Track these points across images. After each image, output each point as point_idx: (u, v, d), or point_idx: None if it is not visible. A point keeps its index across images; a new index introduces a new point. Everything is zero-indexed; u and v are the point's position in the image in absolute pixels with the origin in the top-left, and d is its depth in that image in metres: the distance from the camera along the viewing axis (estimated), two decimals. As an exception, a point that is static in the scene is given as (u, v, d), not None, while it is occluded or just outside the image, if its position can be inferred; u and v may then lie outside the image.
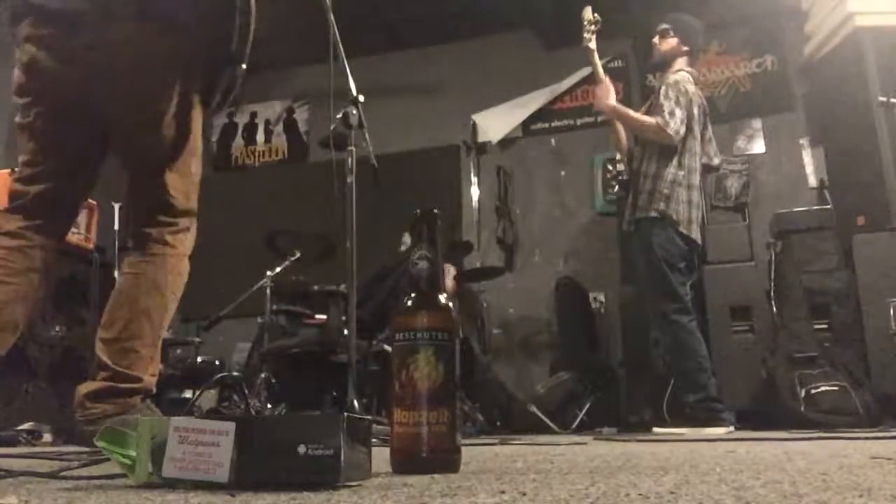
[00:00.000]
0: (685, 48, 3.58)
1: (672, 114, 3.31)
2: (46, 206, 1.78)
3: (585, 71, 5.70)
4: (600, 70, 3.58)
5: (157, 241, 1.84)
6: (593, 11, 3.57)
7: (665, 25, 3.62)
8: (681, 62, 3.57)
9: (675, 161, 3.36)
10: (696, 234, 3.37)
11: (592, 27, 3.55)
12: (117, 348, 1.77)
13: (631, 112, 3.55)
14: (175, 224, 1.88)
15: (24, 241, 1.73)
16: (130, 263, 1.85)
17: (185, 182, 1.89)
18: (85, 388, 1.76)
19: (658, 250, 3.28)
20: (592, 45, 3.55)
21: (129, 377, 1.76)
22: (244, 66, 1.86)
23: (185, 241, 1.93)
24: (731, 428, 3.13)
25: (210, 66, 1.86)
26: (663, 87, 3.41)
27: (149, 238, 1.84)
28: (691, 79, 3.50)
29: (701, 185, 3.47)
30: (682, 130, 3.33)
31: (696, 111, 3.42)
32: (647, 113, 3.51)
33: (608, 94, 3.55)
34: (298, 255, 4.07)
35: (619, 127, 3.66)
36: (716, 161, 3.63)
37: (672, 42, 3.59)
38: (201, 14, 1.78)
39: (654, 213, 3.32)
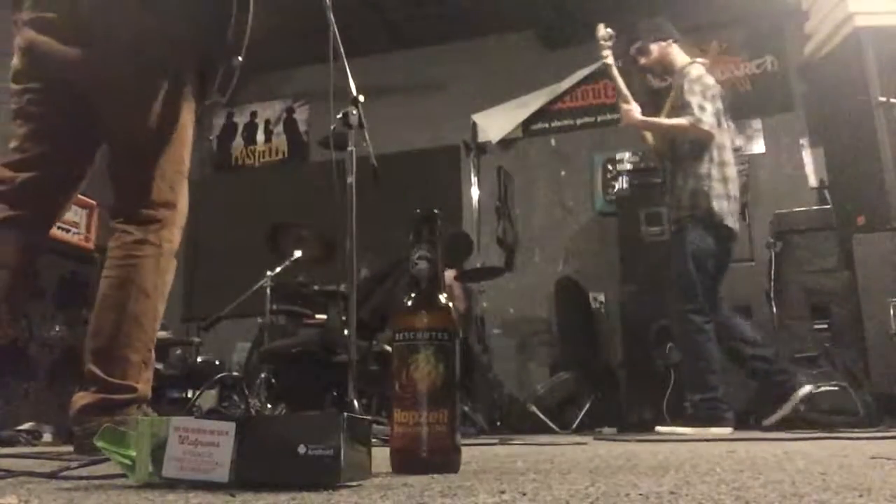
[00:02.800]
0: (666, 41, 3.57)
1: (702, 108, 3.29)
2: (32, 196, 1.73)
3: (585, 71, 5.72)
4: (622, 87, 3.54)
5: (141, 242, 1.77)
6: (606, 26, 3.56)
7: (638, 43, 3.61)
8: (678, 55, 3.57)
9: (708, 157, 3.34)
10: (736, 226, 3.39)
11: (608, 42, 3.54)
12: (108, 358, 1.71)
13: (660, 120, 3.50)
14: (157, 220, 1.79)
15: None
16: (114, 266, 1.77)
17: (173, 171, 1.82)
18: (79, 400, 1.70)
19: (689, 246, 3.28)
20: (610, 60, 3.53)
21: (122, 387, 1.70)
22: (240, 58, 1.84)
23: (171, 237, 1.83)
24: (731, 429, 3.14)
25: (206, 57, 1.84)
26: (686, 84, 3.36)
27: (132, 238, 1.77)
28: (704, 69, 3.49)
29: (736, 175, 3.46)
30: (715, 123, 3.32)
31: (720, 103, 3.40)
32: (672, 112, 3.48)
33: (635, 110, 3.50)
34: (298, 255, 4.07)
35: (648, 134, 3.66)
36: (736, 142, 3.62)
37: (655, 49, 3.58)
38: (199, 4, 1.77)
39: (697, 212, 3.30)
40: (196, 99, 1.87)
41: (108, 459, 0.87)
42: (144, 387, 1.76)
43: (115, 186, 1.84)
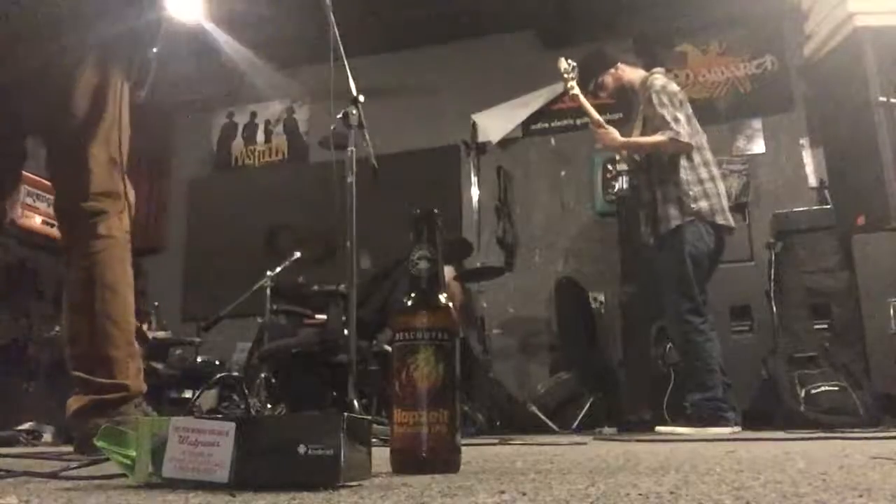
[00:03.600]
0: (615, 68, 3.64)
1: (676, 119, 3.33)
2: None
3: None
4: (594, 113, 3.58)
5: (92, 237, 1.71)
6: (566, 59, 3.62)
7: (592, 81, 3.66)
8: (632, 73, 3.64)
9: (688, 162, 3.37)
10: (731, 221, 3.42)
11: (571, 74, 3.59)
12: (90, 360, 1.68)
13: (639, 139, 3.53)
14: (103, 211, 1.74)
15: None
16: (74, 268, 1.73)
17: (108, 158, 1.75)
18: (74, 403, 1.68)
19: (686, 247, 3.30)
20: (576, 90, 3.58)
21: (113, 387, 1.68)
22: (154, 50, 1.80)
23: (121, 225, 1.77)
24: (737, 428, 3.14)
25: (126, 48, 1.79)
26: (654, 97, 3.40)
27: (84, 236, 1.72)
28: (664, 78, 3.53)
29: (718, 170, 3.50)
30: (690, 131, 3.36)
31: (688, 107, 3.46)
32: (646, 124, 3.52)
33: (613, 133, 3.53)
34: (298, 255, 4.07)
35: (623, 152, 3.71)
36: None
37: (608, 79, 3.65)
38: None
39: (689, 218, 3.32)
40: (127, 80, 1.81)
41: (108, 459, 0.87)
42: (135, 381, 1.73)
43: (53, 183, 1.79)
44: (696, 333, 3.26)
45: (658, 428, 3.38)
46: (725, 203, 3.42)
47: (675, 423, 3.43)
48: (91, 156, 1.72)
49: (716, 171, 3.44)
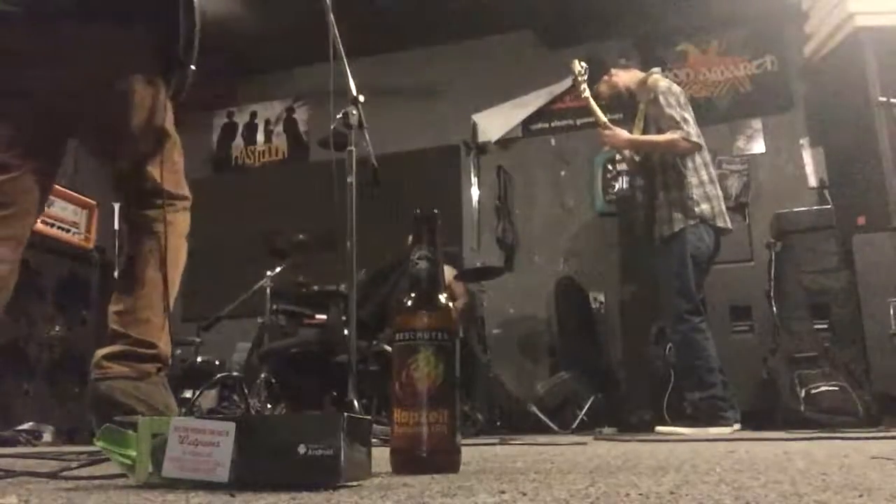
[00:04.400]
0: (610, 74, 3.65)
1: (685, 120, 3.35)
2: (11, 196, 1.71)
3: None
4: (601, 115, 3.58)
5: (157, 220, 1.85)
6: (580, 60, 3.63)
7: (595, 88, 3.65)
8: (627, 76, 3.65)
9: (691, 164, 3.38)
10: (729, 223, 3.44)
11: (584, 76, 3.60)
12: (130, 319, 1.80)
13: (650, 137, 3.53)
14: (172, 204, 1.89)
15: None
16: (133, 243, 1.87)
17: (172, 172, 1.89)
18: (103, 350, 1.79)
19: (688, 247, 3.31)
20: (587, 92, 3.59)
21: (144, 342, 1.79)
22: (193, 67, 1.84)
23: (183, 220, 1.94)
24: (737, 426, 3.14)
25: (165, 65, 1.84)
26: (660, 97, 3.40)
27: (148, 218, 1.86)
28: (664, 78, 3.55)
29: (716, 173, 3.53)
30: (698, 132, 3.38)
31: (690, 109, 3.46)
32: (646, 126, 3.53)
33: (620, 133, 3.55)
34: (298, 255, 4.07)
35: (627, 152, 3.70)
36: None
37: (605, 86, 3.65)
38: (144, 13, 1.77)
39: (692, 221, 3.32)
40: (171, 99, 1.89)
41: (107, 459, 0.87)
42: (164, 349, 1.85)
43: (116, 189, 1.91)
44: (695, 332, 3.27)
45: (658, 428, 3.38)
46: (724, 205, 3.43)
47: (675, 423, 3.43)
48: (158, 170, 1.85)
49: (714, 173, 3.46)
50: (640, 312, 4.37)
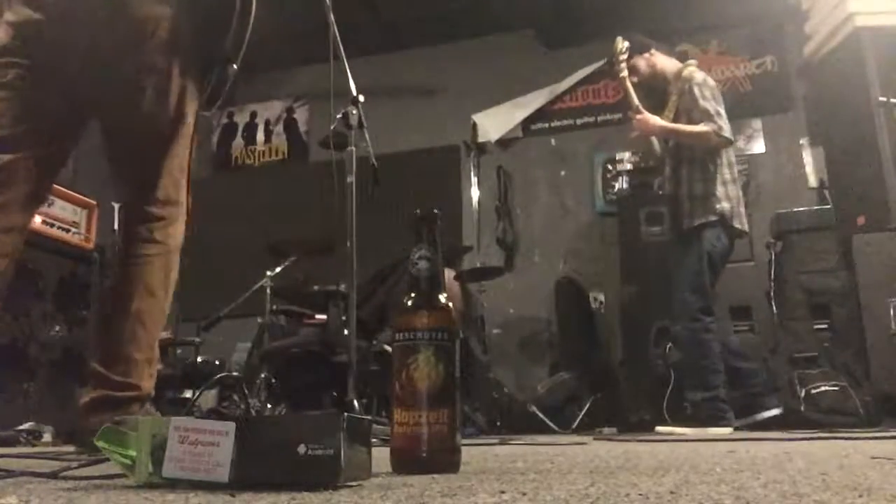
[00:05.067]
0: (649, 52, 3.60)
1: (719, 114, 3.29)
2: (14, 179, 1.64)
3: (586, 71, 5.72)
4: (635, 99, 3.50)
5: (146, 241, 1.77)
6: (623, 39, 3.55)
7: (646, 54, 3.61)
8: (666, 61, 3.60)
9: (719, 160, 3.34)
10: (745, 225, 3.39)
11: (624, 55, 3.53)
12: (112, 356, 1.72)
13: (683, 127, 3.42)
14: (162, 218, 1.80)
15: None
16: (122, 264, 1.79)
17: (178, 169, 1.82)
18: (86, 394, 1.73)
19: (706, 245, 3.28)
20: (625, 73, 3.52)
21: (126, 385, 1.72)
22: (235, 66, 1.83)
23: (176, 234, 1.84)
24: (732, 429, 3.14)
25: (203, 60, 1.82)
26: (696, 89, 3.34)
27: (138, 237, 1.78)
28: (700, 70, 3.50)
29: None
30: (731, 128, 3.33)
31: (723, 105, 3.40)
32: (677, 118, 3.46)
33: (652, 118, 3.46)
34: (298, 255, 4.07)
35: (655, 141, 3.63)
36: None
37: (641, 62, 3.59)
38: (201, 6, 1.75)
39: (712, 217, 3.29)
40: (198, 99, 1.86)
41: (108, 459, 0.87)
42: (148, 384, 1.77)
43: (120, 184, 1.84)
44: (705, 332, 3.24)
45: (658, 428, 3.38)
46: (742, 207, 3.39)
47: (675, 423, 3.42)
48: (164, 166, 1.79)
49: (737, 174, 3.42)
50: (640, 312, 4.36)
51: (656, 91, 3.67)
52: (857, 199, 4.15)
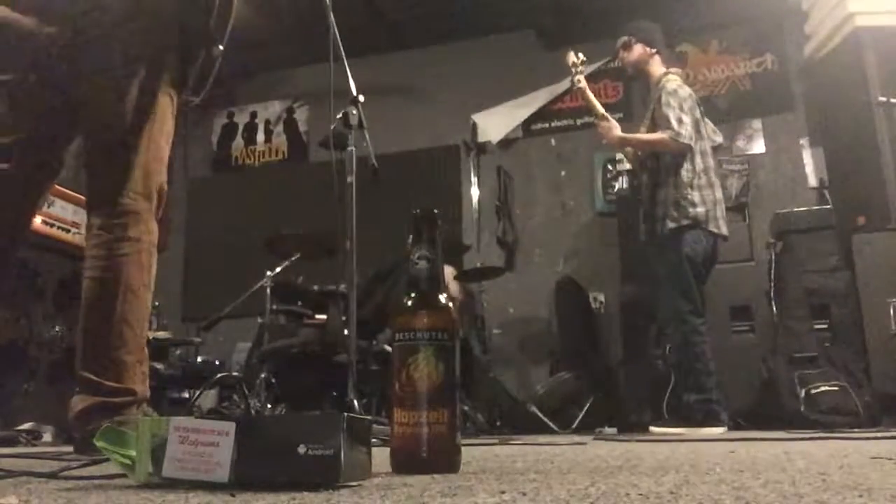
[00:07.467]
0: (652, 50, 3.62)
1: (680, 121, 3.35)
2: (11, 186, 1.63)
3: (585, 71, 5.71)
4: (598, 107, 3.62)
5: (121, 239, 1.69)
6: (576, 52, 3.65)
7: (625, 37, 3.66)
8: (656, 65, 3.62)
9: (689, 166, 3.39)
10: (725, 230, 3.42)
11: (580, 67, 3.61)
12: (101, 362, 1.65)
13: (639, 136, 3.58)
14: (134, 212, 1.71)
15: None
16: (96, 267, 1.68)
17: (152, 161, 1.74)
18: (79, 403, 1.66)
19: (684, 248, 3.32)
20: (583, 84, 3.61)
21: (120, 391, 1.65)
22: (221, 47, 1.77)
23: (149, 229, 1.75)
24: (725, 428, 3.16)
25: (186, 44, 1.77)
26: (662, 97, 3.43)
27: (112, 236, 1.69)
28: (680, 80, 3.53)
29: (718, 179, 3.52)
30: (693, 135, 3.37)
31: (697, 113, 3.45)
32: (651, 123, 3.54)
33: (614, 128, 3.58)
34: (298, 255, 4.07)
35: (628, 149, 3.73)
36: (718, 140, 3.67)
37: (638, 49, 3.64)
38: None
39: (685, 221, 3.34)
40: (176, 87, 1.80)
41: (108, 459, 0.87)
42: (142, 387, 1.71)
43: (91, 177, 1.76)
44: (695, 334, 3.27)
45: (652, 428, 3.38)
46: (721, 212, 3.43)
47: (670, 422, 3.43)
48: (137, 157, 1.71)
49: (715, 180, 3.46)
50: (640, 312, 4.36)
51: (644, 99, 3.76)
52: (857, 199, 4.15)
